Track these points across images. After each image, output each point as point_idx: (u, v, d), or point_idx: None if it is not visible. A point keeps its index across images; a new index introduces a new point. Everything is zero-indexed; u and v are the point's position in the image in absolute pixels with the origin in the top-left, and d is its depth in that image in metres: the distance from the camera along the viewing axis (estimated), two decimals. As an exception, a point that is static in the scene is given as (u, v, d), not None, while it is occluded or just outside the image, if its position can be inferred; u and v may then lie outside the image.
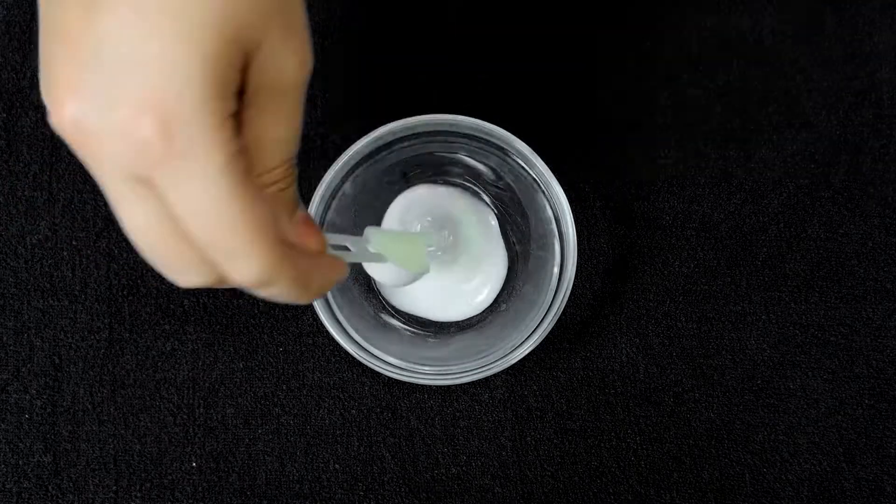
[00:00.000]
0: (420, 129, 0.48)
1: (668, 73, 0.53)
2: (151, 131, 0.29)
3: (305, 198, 0.52)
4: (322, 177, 0.48)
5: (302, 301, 0.34)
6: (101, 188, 0.31)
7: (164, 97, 0.29)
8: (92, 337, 0.51)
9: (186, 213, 0.30)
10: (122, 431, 0.50)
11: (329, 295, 0.48)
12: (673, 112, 0.53)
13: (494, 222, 0.51)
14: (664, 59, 0.53)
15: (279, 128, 0.33)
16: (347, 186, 0.49)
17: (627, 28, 0.53)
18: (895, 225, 0.52)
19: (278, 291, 0.33)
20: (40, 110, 0.52)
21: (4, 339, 0.51)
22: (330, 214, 0.49)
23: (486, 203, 0.51)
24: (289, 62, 0.32)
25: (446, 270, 0.51)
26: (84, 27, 0.29)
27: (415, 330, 0.51)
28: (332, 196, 0.48)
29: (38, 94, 0.52)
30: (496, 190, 0.51)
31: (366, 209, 0.51)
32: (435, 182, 0.51)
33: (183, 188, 0.30)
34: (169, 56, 0.29)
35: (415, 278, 0.47)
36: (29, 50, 0.52)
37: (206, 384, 0.51)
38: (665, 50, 0.53)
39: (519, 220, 0.51)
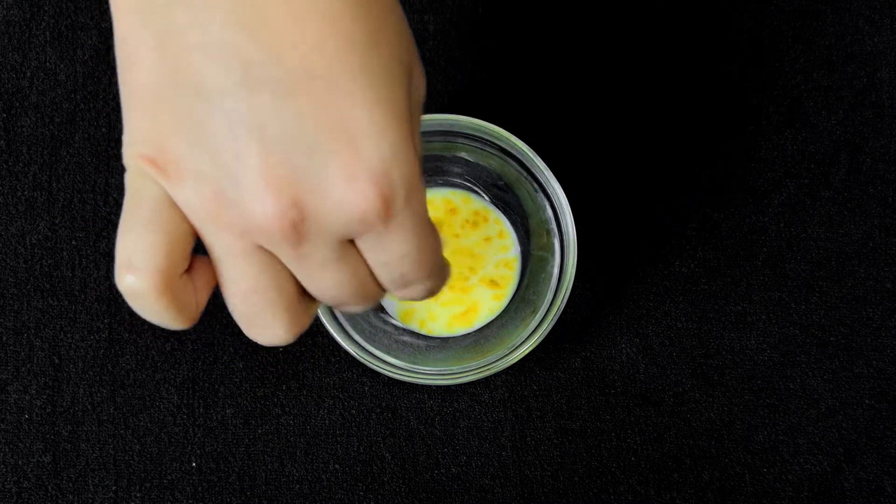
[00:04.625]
0: (420, 129, 0.48)
1: (668, 73, 0.53)
2: (375, 202, 0.30)
3: (305, 198, 0.52)
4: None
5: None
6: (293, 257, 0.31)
7: (383, 165, 0.30)
8: (92, 337, 0.51)
9: (387, 261, 0.32)
10: (122, 431, 0.50)
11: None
12: (673, 112, 0.53)
13: (513, 240, 0.51)
14: (664, 60, 0.53)
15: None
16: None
17: (628, 28, 0.53)
18: (895, 225, 0.52)
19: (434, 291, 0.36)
20: (40, 110, 0.52)
21: (4, 339, 0.51)
22: None
23: (500, 213, 0.51)
24: (423, 81, 0.34)
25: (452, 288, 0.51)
26: (274, 110, 0.29)
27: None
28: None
29: (37, 93, 0.52)
30: (496, 190, 0.51)
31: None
32: (436, 183, 0.51)
33: (391, 241, 0.32)
34: (378, 121, 0.30)
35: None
36: (28, 50, 0.52)
37: (206, 384, 0.51)
38: (665, 50, 0.53)
39: (519, 220, 0.51)
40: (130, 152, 0.31)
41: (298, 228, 0.30)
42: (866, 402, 0.51)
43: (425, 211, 0.32)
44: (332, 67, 0.29)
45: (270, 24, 0.29)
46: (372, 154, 0.30)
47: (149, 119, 0.30)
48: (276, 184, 0.29)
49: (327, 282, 0.33)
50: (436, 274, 0.35)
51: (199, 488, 0.50)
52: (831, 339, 0.52)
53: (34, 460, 0.50)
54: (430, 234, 0.33)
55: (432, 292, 0.36)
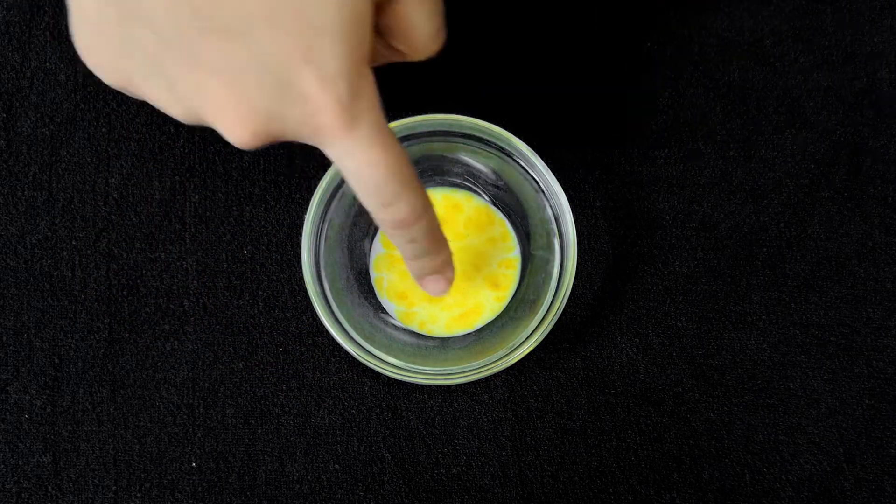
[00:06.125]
0: (420, 129, 0.48)
1: (668, 73, 0.53)
2: (332, 113, 0.35)
3: (305, 197, 0.52)
4: (322, 176, 0.48)
5: (437, 248, 0.43)
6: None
7: (332, 83, 0.34)
8: (92, 337, 0.51)
9: (358, 169, 0.37)
10: (122, 431, 0.50)
11: (329, 295, 0.48)
12: (673, 112, 0.53)
13: (514, 240, 0.51)
14: (664, 59, 0.53)
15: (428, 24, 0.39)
16: (348, 186, 0.49)
17: (628, 28, 0.53)
18: (895, 225, 0.52)
19: (424, 229, 0.40)
20: (40, 110, 0.52)
21: (4, 339, 0.51)
22: (330, 213, 0.49)
23: (499, 211, 0.51)
24: None
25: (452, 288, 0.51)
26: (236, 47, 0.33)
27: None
28: (333, 195, 0.48)
29: (37, 93, 0.52)
30: (496, 190, 0.51)
31: (365, 209, 0.51)
32: (436, 183, 0.51)
33: (358, 147, 0.36)
34: (321, 48, 0.34)
35: None
36: (28, 50, 0.52)
37: (206, 384, 0.51)
38: (665, 50, 0.53)
39: (519, 220, 0.51)
40: (104, 75, 0.36)
41: (265, 143, 0.35)
42: (866, 402, 0.51)
43: (383, 121, 0.36)
44: (272, 12, 0.32)
45: None
46: (319, 74, 0.34)
47: (105, 47, 0.34)
48: (238, 115, 0.34)
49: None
50: (415, 188, 0.38)
51: (199, 488, 0.50)
52: (831, 339, 0.52)
53: (34, 460, 0.50)
54: (394, 144, 0.37)
55: (419, 213, 0.39)
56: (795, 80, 0.53)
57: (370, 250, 0.51)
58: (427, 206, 0.40)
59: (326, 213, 0.49)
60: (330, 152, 0.37)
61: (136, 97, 0.37)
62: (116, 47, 0.34)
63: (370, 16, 0.35)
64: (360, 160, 0.36)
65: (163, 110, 0.36)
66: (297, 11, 0.33)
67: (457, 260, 0.51)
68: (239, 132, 0.35)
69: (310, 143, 0.36)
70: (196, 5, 0.32)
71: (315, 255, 0.48)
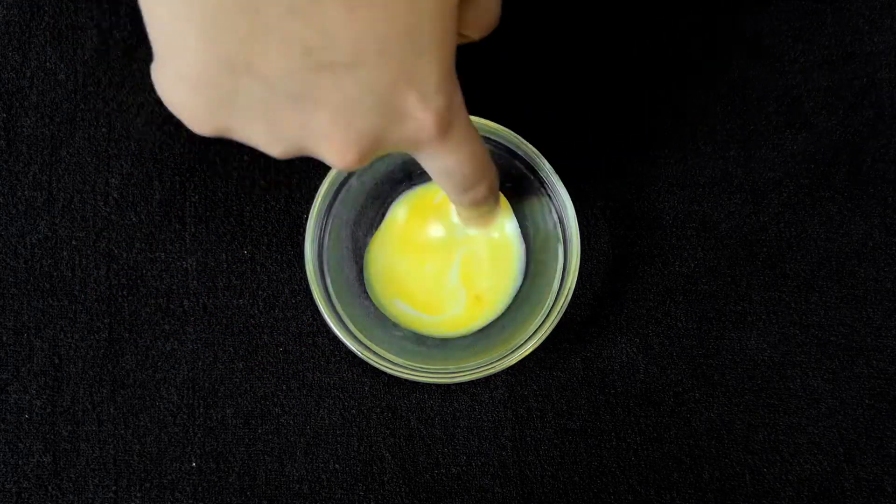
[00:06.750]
0: None
1: (668, 73, 0.53)
2: (432, 130, 0.37)
3: (306, 197, 0.52)
4: (328, 170, 0.48)
5: (496, 206, 0.48)
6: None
7: (433, 102, 0.36)
8: (92, 337, 0.51)
9: (449, 167, 0.40)
10: (122, 431, 0.50)
11: (332, 292, 0.48)
12: (673, 112, 0.53)
13: (518, 241, 0.51)
14: (664, 59, 0.53)
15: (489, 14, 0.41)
16: (354, 181, 0.49)
17: (628, 28, 0.53)
18: (895, 225, 0.52)
19: (493, 200, 0.45)
20: (40, 110, 0.52)
21: (4, 339, 0.51)
22: (336, 207, 0.49)
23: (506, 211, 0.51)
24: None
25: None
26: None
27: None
28: (339, 189, 0.48)
29: (37, 93, 0.52)
30: (501, 191, 0.51)
31: (372, 203, 0.51)
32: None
33: (449, 150, 0.38)
34: (424, 72, 0.35)
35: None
36: (28, 50, 0.52)
37: (206, 384, 0.51)
38: (665, 50, 0.53)
39: (522, 221, 0.51)
40: (197, 127, 0.36)
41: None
42: (866, 402, 0.51)
43: (469, 119, 0.39)
44: (382, 42, 0.33)
45: (324, 11, 0.32)
46: (421, 93, 0.35)
47: (204, 101, 0.34)
48: (345, 141, 0.35)
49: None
50: (490, 173, 0.42)
51: (199, 488, 0.50)
52: (831, 339, 0.52)
53: (34, 460, 0.50)
54: (476, 138, 0.40)
55: (492, 191, 0.44)
56: (795, 80, 0.53)
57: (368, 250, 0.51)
58: (497, 179, 0.44)
59: (333, 204, 0.49)
60: (421, 156, 0.39)
61: (229, 138, 0.37)
62: (216, 100, 0.34)
63: (455, 22, 0.36)
64: (451, 160, 0.39)
65: (258, 149, 0.37)
66: (405, 39, 0.34)
67: (460, 261, 0.51)
68: (346, 157, 0.36)
69: (403, 151, 0.38)
70: (308, 45, 0.33)
71: (318, 251, 0.48)
